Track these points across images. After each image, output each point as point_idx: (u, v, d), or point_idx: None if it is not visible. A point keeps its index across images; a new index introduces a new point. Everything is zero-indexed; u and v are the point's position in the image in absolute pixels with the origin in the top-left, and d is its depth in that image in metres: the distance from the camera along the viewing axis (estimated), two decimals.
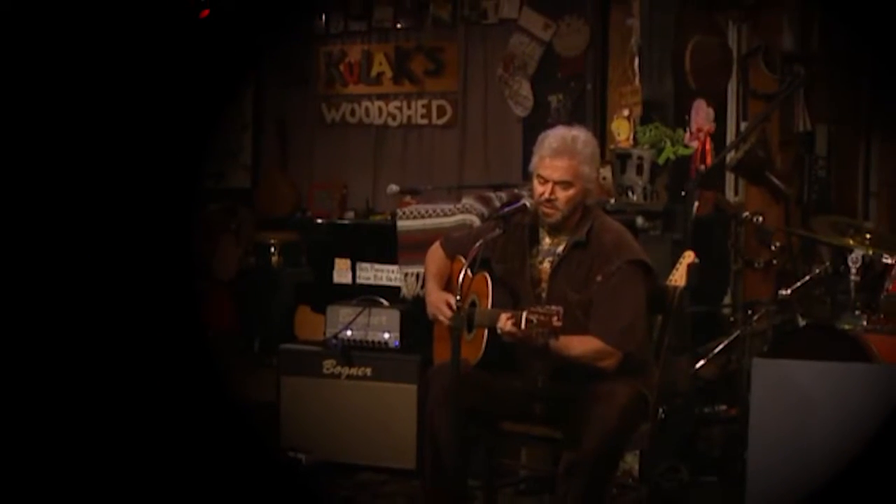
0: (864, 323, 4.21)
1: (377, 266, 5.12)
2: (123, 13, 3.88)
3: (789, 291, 4.60)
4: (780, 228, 5.28)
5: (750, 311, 4.90)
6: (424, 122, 6.72)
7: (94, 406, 3.62)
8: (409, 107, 6.73)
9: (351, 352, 4.80)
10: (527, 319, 3.21)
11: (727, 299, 5.39)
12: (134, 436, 3.68)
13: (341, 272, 5.19)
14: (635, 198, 4.88)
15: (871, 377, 3.39)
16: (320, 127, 7.02)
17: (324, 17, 6.87)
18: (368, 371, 4.76)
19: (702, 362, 4.88)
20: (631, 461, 4.33)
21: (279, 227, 6.66)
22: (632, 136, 5.09)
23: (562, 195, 3.55)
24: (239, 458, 4.14)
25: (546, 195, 3.55)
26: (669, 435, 4.43)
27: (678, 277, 3.70)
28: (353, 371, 4.78)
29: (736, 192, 5.81)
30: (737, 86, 5.71)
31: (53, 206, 3.62)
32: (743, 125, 5.67)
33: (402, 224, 5.08)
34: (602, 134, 5.72)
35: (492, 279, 3.65)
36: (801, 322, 4.53)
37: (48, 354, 3.56)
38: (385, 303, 4.91)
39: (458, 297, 3.33)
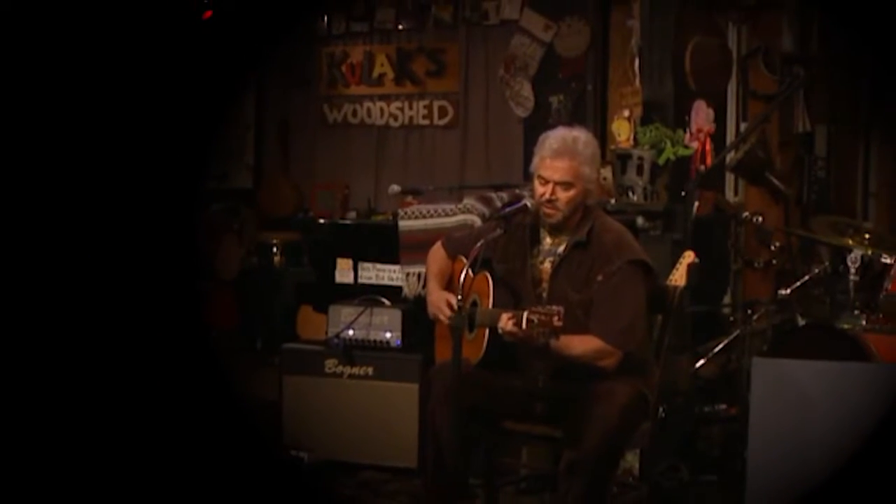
0: (863, 322, 4.22)
1: (379, 266, 5.12)
2: (127, 15, 3.88)
3: (789, 291, 4.61)
4: (779, 228, 5.28)
5: (750, 311, 4.89)
6: (426, 122, 6.75)
7: (99, 404, 3.61)
8: (410, 107, 6.76)
9: (353, 351, 4.80)
10: (528, 319, 3.22)
11: (727, 299, 5.39)
12: (137, 434, 3.68)
13: (343, 272, 5.18)
14: (636, 198, 4.88)
15: (870, 376, 3.37)
16: (322, 127, 7.04)
17: (326, 18, 6.89)
18: (370, 370, 4.76)
19: (702, 361, 4.88)
20: (631, 460, 4.32)
21: (281, 227, 6.68)
22: (632, 137, 5.09)
23: (562, 196, 3.55)
24: (241, 456, 4.14)
25: (547, 196, 3.56)
26: (670, 434, 4.43)
27: (678, 277, 3.70)
28: (355, 370, 4.78)
29: (736, 193, 5.81)
30: (736, 87, 5.72)
31: (58, 206, 3.62)
32: (743, 126, 5.67)
33: (403, 224, 5.08)
34: (602, 134, 5.74)
35: (493, 279, 3.65)
36: (801, 321, 4.54)
37: (53, 353, 3.56)
38: (387, 302, 4.91)
39: (459, 297, 3.33)
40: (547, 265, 3.65)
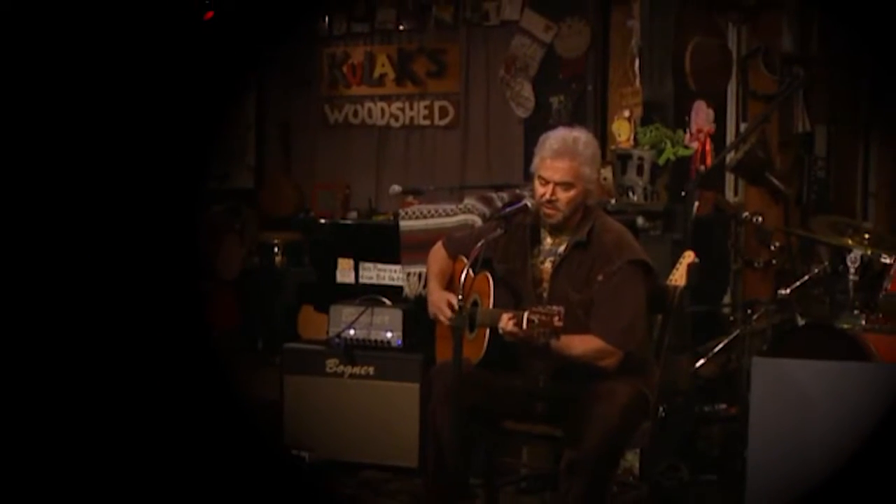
0: (863, 322, 4.22)
1: (380, 266, 5.12)
2: (129, 16, 3.89)
3: (788, 291, 4.61)
4: (779, 228, 5.28)
5: (749, 311, 4.89)
6: (427, 122, 6.76)
7: (100, 404, 3.62)
8: (411, 108, 6.77)
9: (354, 351, 4.80)
10: (528, 319, 3.22)
11: (727, 299, 5.39)
12: (139, 433, 3.69)
13: (344, 272, 5.18)
14: (636, 198, 4.88)
15: (869, 376, 3.38)
16: (323, 128, 7.05)
17: (327, 18, 6.90)
18: (371, 370, 4.76)
19: (702, 361, 4.88)
20: (631, 459, 4.33)
21: (283, 227, 6.69)
22: (632, 137, 5.09)
23: (563, 196, 3.56)
24: (243, 456, 4.14)
25: (547, 196, 3.56)
26: (670, 433, 4.43)
27: (678, 277, 3.70)
28: (356, 370, 4.79)
29: (736, 193, 5.82)
30: (736, 87, 5.72)
31: (61, 207, 3.63)
32: (742, 126, 5.67)
33: (404, 224, 5.08)
34: (603, 135, 5.74)
35: (493, 279, 3.66)
36: (801, 321, 4.54)
37: (55, 353, 3.57)
38: (388, 302, 4.91)
39: (459, 297, 3.34)
40: (547, 265, 3.65)
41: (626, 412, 3.43)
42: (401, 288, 5.05)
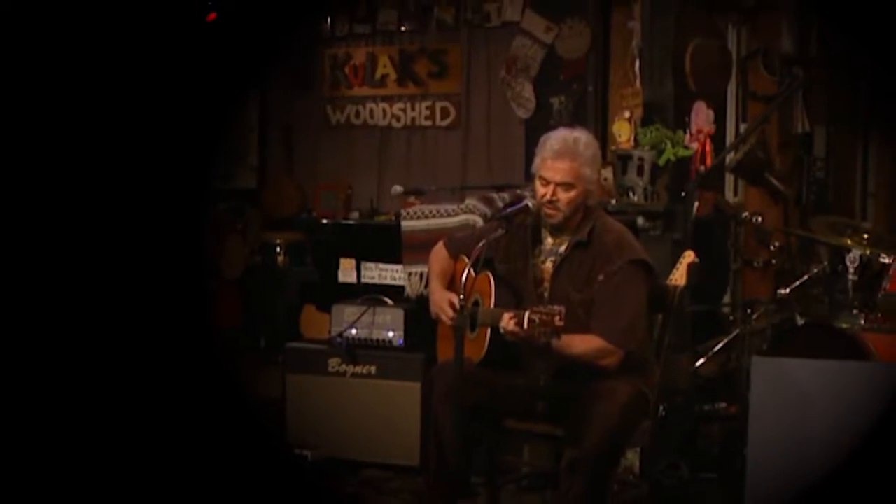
0: (862, 322, 4.23)
1: (382, 265, 5.12)
2: (133, 18, 3.91)
3: (788, 291, 4.62)
4: (778, 228, 5.28)
5: (749, 310, 4.90)
6: (428, 123, 6.76)
7: (104, 401, 3.63)
8: (412, 108, 6.78)
9: (356, 350, 4.82)
10: (529, 319, 3.23)
11: (727, 298, 5.39)
12: (143, 431, 3.70)
13: (346, 271, 5.19)
14: (636, 198, 4.88)
15: (868, 375, 3.39)
16: (325, 128, 7.05)
17: (329, 20, 6.90)
18: (373, 369, 4.78)
19: (702, 360, 4.88)
20: (632, 458, 4.34)
21: (285, 227, 6.70)
22: (633, 138, 5.09)
23: (563, 196, 3.57)
24: (245, 454, 4.14)
25: (548, 196, 3.57)
26: (670, 432, 4.44)
27: (678, 277, 3.72)
28: (358, 369, 4.80)
29: (735, 193, 5.82)
30: (736, 88, 5.72)
31: (68, 207, 3.65)
32: (742, 127, 5.68)
33: (406, 224, 5.09)
34: (603, 135, 5.75)
35: (495, 279, 3.67)
36: (800, 321, 4.55)
37: (59, 351, 3.59)
38: (389, 302, 4.92)
39: (461, 297, 3.34)
40: (548, 265, 3.66)
41: (627, 411, 3.44)
42: (402, 288, 5.05)
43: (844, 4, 4.93)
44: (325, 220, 5.86)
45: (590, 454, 3.35)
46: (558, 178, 3.56)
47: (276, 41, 5.93)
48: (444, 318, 3.73)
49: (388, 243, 5.12)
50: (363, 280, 5.16)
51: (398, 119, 6.83)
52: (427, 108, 6.74)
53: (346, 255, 5.23)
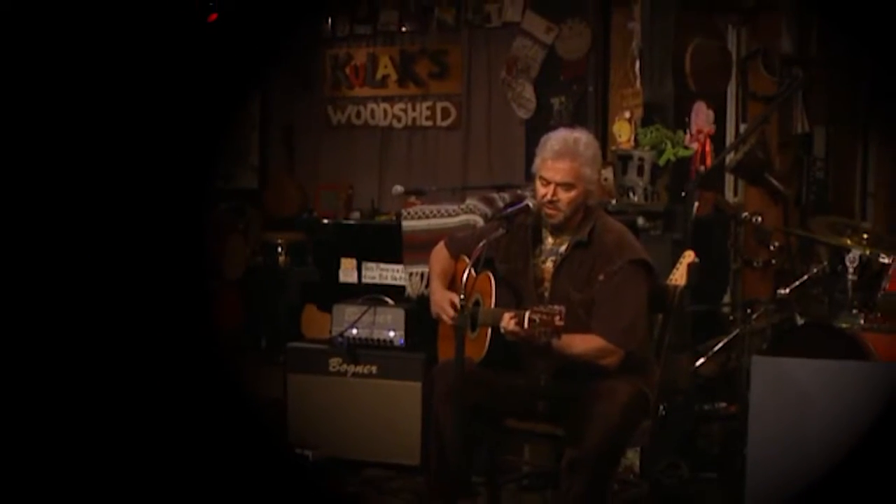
0: (862, 321, 4.24)
1: (382, 265, 5.13)
2: (135, 18, 3.91)
3: (788, 290, 4.63)
4: (778, 228, 5.28)
5: (749, 310, 4.90)
6: (429, 123, 6.77)
7: (106, 401, 3.64)
8: (413, 109, 6.78)
9: (357, 350, 4.82)
10: (529, 319, 3.24)
11: (727, 298, 5.38)
12: (144, 431, 3.71)
13: (347, 271, 5.19)
14: (636, 198, 4.87)
15: (867, 374, 3.40)
16: (326, 129, 7.06)
17: (330, 20, 6.91)
18: (374, 369, 4.79)
19: (702, 360, 4.89)
20: (632, 457, 4.35)
21: (286, 227, 6.70)
22: (633, 138, 5.09)
23: (564, 196, 3.57)
24: (247, 454, 4.14)
25: (548, 196, 3.58)
26: (670, 432, 4.45)
27: (678, 277, 3.72)
28: (359, 369, 4.81)
29: (735, 193, 5.83)
30: (736, 88, 5.73)
31: (71, 207, 3.66)
32: (742, 127, 5.69)
33: (406, 224, 5.10)
34: (603, 136, 5.75)
35: (495, 278, 3.67)
36: (800, 321, 4.56)
37: (62, 351, 3.59)
38: (390, 302, 4.93)
39: (461, 297, 3.35)
40: (549, 265, 3.67)
41: (627, 411, 3.45)
42: (403, 287, 5.06)
43: (844, 5, 4.94)
44: (326, 221, 5.87)
45: (590, 454, 3.36)
46: (559, 179, 3.57)
47: (278, 42, 5.93)
48: (444, 317, 3.73)
49: (388, 243, 5.13)
50: (364, 280, 5.16)
51: (399, 119, 6.84)
52: (428, 108, 6.75)
53: (347, 255, 5.23)
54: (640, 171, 4.87)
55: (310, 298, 5.38)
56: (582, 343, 3.48)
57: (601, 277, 3.55)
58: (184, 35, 4.26)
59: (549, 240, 3.71)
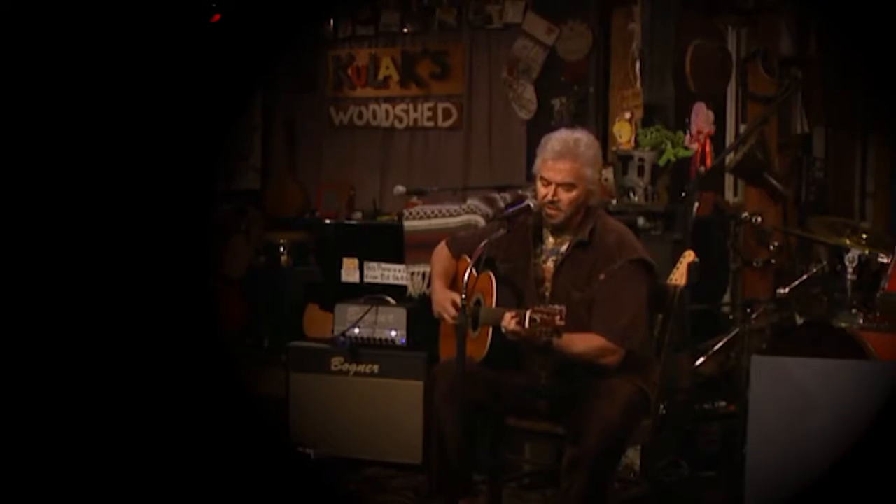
0: (861, 321, 4.25)
1: (384, 265, 5.11)
2: (138, 19, 3.92)
3: (787, 290, 4.64)
4: (778, 228, 5.30)
5: (749, 310, 4.89)
6: (430, 124, 6.77)
7: (110, 401, 3.64)
8: (415, 109, 6.79)
9: (358, 349, 4.83)
10: (530, 318, 3.25)
11: (726, 298, 5.41)
12: (148, 430, 3.71)
13: (349, 271, 5.18)
14: (637, 199, 4.87)
15: (866, 373, 3.41)
16: (328, 129, 7.06)
17: (332, 21, 6.92)
18: (376, 368, 4.80)
19: (702, 359, 4.91)
20: (632, 456, 4.37)
21: (288, 227, 6.71)
22: (633, 139, 5.08)
23: (565, 197, 3.59)
24: (249, 452, 4.14)
25: (549, 197, 3.59)
26: (670, 430, 4.46)
27: (678, 276, 3.73)
28: (361, 368, 4.82)
29: (735, 193, 5.84)
30: (736, 89, 5.74)
31: (73, 208, 3.66)
32: (742, 128, 5.70)
33: (408, 224, 5.09)
34: (604, 136, 5.75)
35: (496, 278, 3.68)
36: (799, 320, 4.58)
37: (66, 351, 3.60)
38: (392, 301, 4.93)
39: (463, 296, 3.36)
40: (550, 264, 3.68)
41: (627, 410, 3.47)
42: (405, 287, 5.05)
43: (843, 6, 4.95)
44: (328, 221, 5.86)
45: (591, 452, 3.37)
46: (559, 179, 3.59)
47: (280, 42, 5.94)
48: (446, 317, 3.75)
49: (390, 243, 5.12)
50: (366, 280, 5.14)
51: (401, 120, 6.85)
52: (429, 109, 6.76)
53: (349, 255, 5.21)
54: (641, 172, 4.87)
55: (312, 298, 5.38)
56: (582, 342, 3.49)
57: (602, 277, 3.57)
58: (186, 36, 4.26)
59: (550, 240, 3.72)
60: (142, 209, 3.83)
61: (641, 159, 4.88)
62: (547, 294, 3.64)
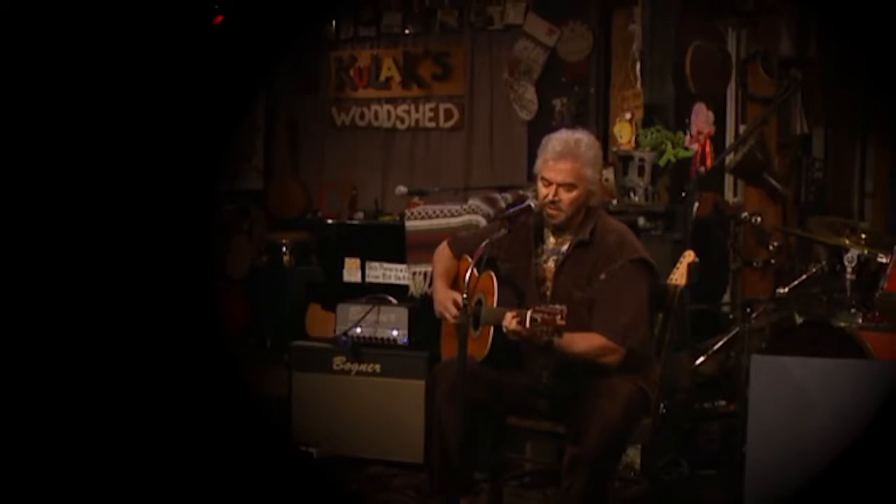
0: (860, 320, 4.25)
1: (386, 265, 5.12)
2: (140, 20, 3.93)
3: (787, 290, 4.65)
4: (777, 228, 5.31)
5: (748, 309, 4.90)
6: (432, 125, 6.79)
7: (113, 400, 3.64)
8: (416, 110, 6.80)
9: (360, 349, 4.84)
10: (531, 318, 3.25)
11: (726, 297, 5.41)
12: (151, 429, 3.71)
13: (351, 271, 5.18)
14: (637, 199, 4.86)
15: (865, 373, 3.40)
16: (330, 130, 7.07)
17: (334, 23, 6.93)
18: (377, 367, 4.80)
19: (702, 359, 4.92)
20: (633, 455, 4.37)
21: (290, 227, 6.72)
22: (634, 139, 5.08)
23: (565, 197, 3.60)
24: (252, 451, 4.14)
25: (550, 197, 3.60)
26: (670, 429, 4.46)
27: (679, 276, 3.74)
28: (363, 367, 4.83)
29: (735, 193, 5.85)
30: (736, 90, 5.75)
31: (77, 209, 3.67)
32: (742, 128, 5.71)
33: (410, 224, 5.09)
34: (605, 137, 5.75)
35: (497, 278, 3.69)
36: (799, 319, 4.58)
37: (69, 351, 3.61)
38: (394, 301, 4.94)
39: (464, 296, 3.36)
40: (551, 264, 3.69)
41: (628, 409, 3.48)
42: (406, 287, 5.05)
43: (843, 7, 4.96)
44: (330, 221, 5.87)
45: (591, 451, 3.38)
46: (560, 179, 3.60)
47: (282, 44, 5.95)
48: (447, 316, 3.76)
49: (392, 243, 5.12)
50: (368, 279, 5.15)
51: (402, 120, 6.86)
52: (431, 109, 6.77)
53: (351, 255, 5.21)
54: (641, 172, 4.87)
55: (314, 298, 5.38)
56: (583, 341, 3.50)
57: (602, 276, 3.57)
58: (189, 37, 4.26)
59: (551, 240, 3.73)
60: (145, 210, 3.83)
61: (642, 160, 4.88)
62: (548, 294, 3.65)
